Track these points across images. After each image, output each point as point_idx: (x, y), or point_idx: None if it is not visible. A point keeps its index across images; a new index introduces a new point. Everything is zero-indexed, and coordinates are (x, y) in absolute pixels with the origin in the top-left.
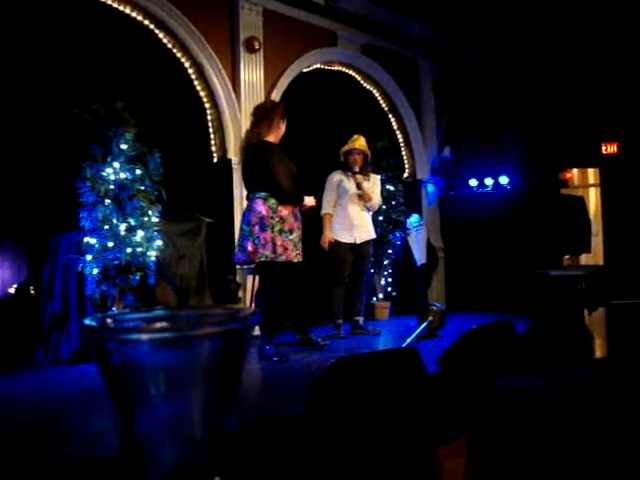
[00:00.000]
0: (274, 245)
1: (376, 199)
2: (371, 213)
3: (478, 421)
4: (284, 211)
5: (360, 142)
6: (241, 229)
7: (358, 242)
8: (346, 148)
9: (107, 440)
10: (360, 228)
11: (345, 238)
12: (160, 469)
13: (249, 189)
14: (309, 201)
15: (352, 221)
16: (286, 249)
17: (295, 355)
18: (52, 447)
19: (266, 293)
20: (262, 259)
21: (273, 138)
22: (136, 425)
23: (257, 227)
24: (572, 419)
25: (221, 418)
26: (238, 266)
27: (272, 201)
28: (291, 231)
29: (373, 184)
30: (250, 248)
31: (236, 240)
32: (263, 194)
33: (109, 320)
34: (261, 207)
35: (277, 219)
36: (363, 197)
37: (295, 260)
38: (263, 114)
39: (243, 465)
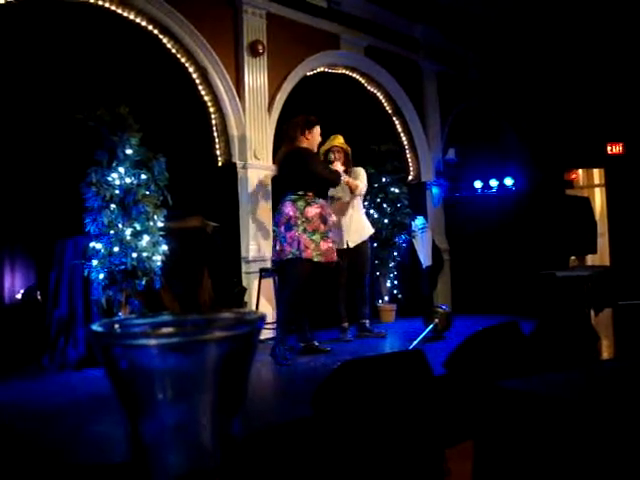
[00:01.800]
0: (299, 243)
1: (361, 184)
2: (363, 212)
3: (485, 423)
4: (310, 212)
5: (339, 140)
6: (273, 231)
7: (351, 246)
8: (325, 147)
9: (114, 446)
10: (350, 231)
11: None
12: (168, 474)
13: (283, 193)
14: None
15: (342, 227)
16: (307, 247)
17: (301, 358)
18: (59, 452)
19: (294, 291)
20: (289, 257)
21: (307, 145)
22: (144, 430)
23: (283, 227)
24: (578, 421)
25: (229, 423)
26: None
27: (300, 203)
28: (314, 231)
29: (358, 175)
30: (278, 247)
31: None
32: (293, 197)
33: (116, 326)
34: (289, 209)
35: (303, 219)
36: (351, 189)
37: (315, 259)
38: (285, 131)
39: (251, 470)
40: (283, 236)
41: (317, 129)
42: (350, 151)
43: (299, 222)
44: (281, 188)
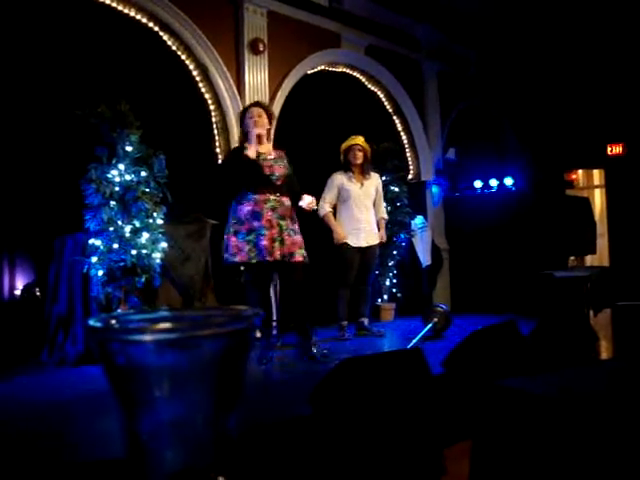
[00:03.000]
0: (227, 246)
1: (382, 205)
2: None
3: (483, 422)
4: (242, 210)
5: (360, 139)
6: None
7: (365, 245)
8: (346, 145)
9: (112, 442)
10: (368, 231)
11: (352, 241)
12: (164, 470)
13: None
14: (308, 203)
15: (359, 224)
16: (240, 250)
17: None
18: (55, 449)
19: (246, 296)
20: (226, 263)
21: (252, 141)
22: (140, 426)
23: (225, 231)
24: (577, 420)
25: (225, 419)
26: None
27: (233, 203)
28: (249, 231)
29: (374, 183)
30: (223, 252)
31: None
32: (232, 198)
33: (113, 321)
34: (228, 211)
35: (234, 221)
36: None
37: (253, 261)
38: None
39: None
40: (223, 241)
41: (248, 112)
42: (370, 151)
43: (230, 224)
44: None
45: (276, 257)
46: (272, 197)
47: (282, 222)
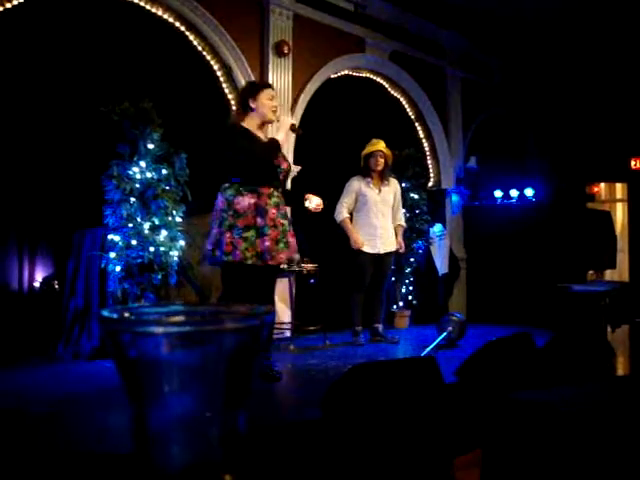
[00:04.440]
0: (221, 243)
1: (400, 212)
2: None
3: (495, 433)
4: (241, 203)
5: (383, 145)
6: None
7: (381, 252)
8: (368, 150)
9: (120, 437)
10: (384, 237)
11: (368, 249)
12: (172, 466)
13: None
14: (317, 204)
15: (376, 230)
16: (235, 248)
17: (312, 360)
18: (65, 440)
19: (224, 299)
20: (216, 259)
21: (252, 122)
22: (149, 421)
23: (214, 224)
24: (591, 435)
25: (234, 417)
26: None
27: (229, 192)
28: (247, 228)
29: (392, 189)
30: (209, 247)
31: None
32: (223, 186)
33: (127, 313)
34: (219, 201)
35: (230, 213)
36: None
37: (249, 262)
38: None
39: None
40: (213, 234)
41: (266, 93)
42: (391, 157)
43: (225, 216)
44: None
45: (280, 260)
46: (276, 192)
47: (284, 222)
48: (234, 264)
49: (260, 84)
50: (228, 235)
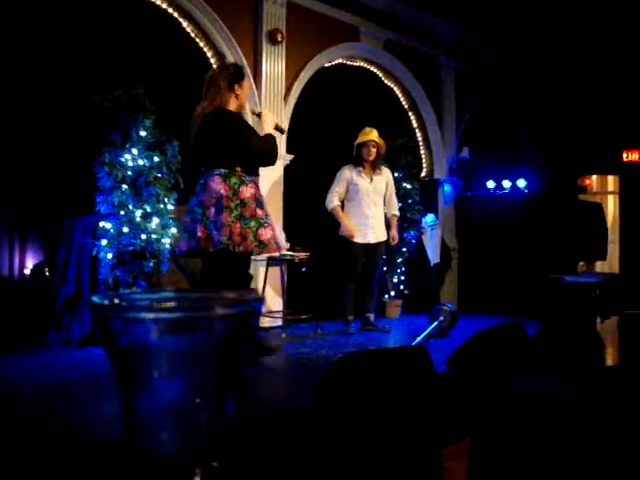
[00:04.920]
0: (231, 231)
1: (393, 201)
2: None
3: (485, 422)
4: (246, 193)
5: (375, 134)
6: (190, 212)
7: (372, 242)
8: (361, 139)
9: (110, 423)
10: (375, 227)
11: (359, 238)
12: (160, 453)
13: (206, 166)
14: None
15: (367, 219)
16: (245, 239)
17: (304, 349)
18: (54, 426)
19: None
20: (219, 247)
21: (233, 107)
22: (138, 407)
23: (213, 209)
24: (580, 424)
25: (223, 404)
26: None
27: (233, 180)
28: (252, 218)
29: (384, 178)
30: (201, 233)
31: (181, 227)
32: (223, 171)
33: (117, 299)
34: (219, 186)
35: (237, 202)
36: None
37: (255, 252)
38: (211, 80)
39: (244, 453)
40: (212, 220)
41: (248, 83)
42: (384, 147)
43: (232, 205)
44: (204, 159)
45: (276, 252)
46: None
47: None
48: (241, 254)
49: (239, 66)
50: (238, 225)
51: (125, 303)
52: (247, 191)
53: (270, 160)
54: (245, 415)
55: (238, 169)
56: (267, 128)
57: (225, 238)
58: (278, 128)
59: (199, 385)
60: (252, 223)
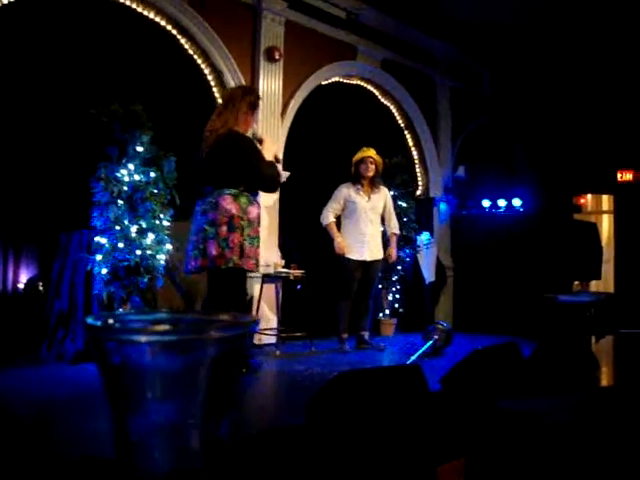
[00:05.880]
0: (242, 250)
1: (393, 220)
2: (382, 229)
3: (479, 442)
4: (253, 213)
5: (373, 152)
6: (200, 231)
7: (368, 260)
8: (359, 156)
9: (102, 441)
10: (371, 245)
11: (355, 255)
12: (153, 471)
13: (216, 185)
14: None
15: (364, 237)
16: (250, 258)
17: (298, 366)
18: (45, 443)
19: (239, 305)
20: (230, 265)
21: (242, 130)
22: (131, 427)
23: (224, 228)
24: (574, 445)
25: (216, 424)
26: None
27: (243, 200)
28: (255, 237)
29: (382, 197)
30: (215, 252)
31: (188, 247)
32: (233, 191)
33: (112, 320)
34: (230, 205)
35: (246, 221)
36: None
37: (257, 268)
38: (229, 100)
39: (237, 473)
40: (224, 238)
41: (256, 111)
42: (381, 164)
43: (243, 224)
44: (215, 178)
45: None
46: None
47: None
48: (247, 272)
49: (251, 88)
50: (247, 244)
51: (119, 325)
52: (254, 211)
53: (274, 186)
54: (237, 434)
55: (241, 188)
56: (267, 155)
57: (236, 257)
58: (277, 159)
59: (192, 405)
60: (255, 242)
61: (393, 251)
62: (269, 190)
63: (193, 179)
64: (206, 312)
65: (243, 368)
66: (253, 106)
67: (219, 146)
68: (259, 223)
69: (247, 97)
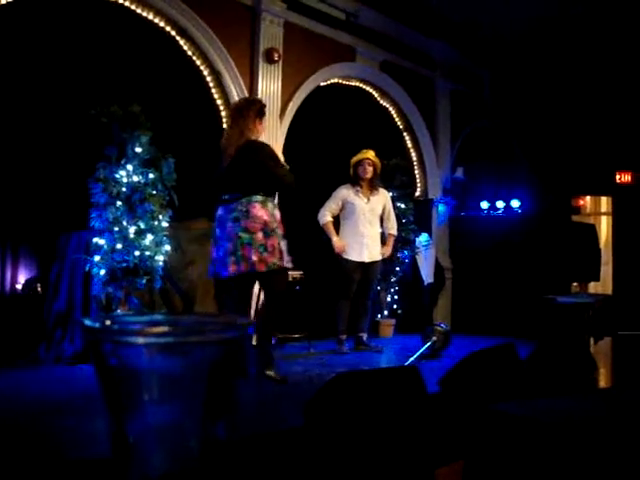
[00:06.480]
0: (281, 252)
1: (392, 221)
2: (381, 231)
3: (476, 444)
4: (278, 215)
5: (371, 153)
6: (234, 237)
7: (367, 261)
8: (357, 158)
9: (99, 442)
10: (370, 246)
11: (354, 256)
12: (150, 473)
13: (243, 193)
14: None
15: (363, 238)
16: (282, 256)
17: (296, 368)
18: (43, 444)
19: (280, 305)
20: (272, 267)
21: (256, 137)
22: (127, 429)
23: (260, 234)
24: (572, 447)
25: (214, 426)
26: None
27: (269, 205)
28: (283, 237)
29: (381, 199)
30: (255, 257)
31: (219, 252)
32: (260, 198)
33: (109, 322)
34: (261, 212)
35: (276, 224)
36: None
37: (288, 266)
38: (237, 111)
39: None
40: (262, 244)
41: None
42: (380, 166)
43: (275, 227)
44: (241, 186)
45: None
46: None
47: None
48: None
49: (259, 100)
50: (283, 245)
51: (116, 326)
52: (278, 214)
53: (291, 188)
54: (235, 436)
55: (261, 193)
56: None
57: (277, 259)
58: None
59: (189, 407)
60: (284, 242)
61: (388, 248)
62: (286, 191)
63: (217, 187)
64: (202, 314)
65: (241, 376)
66: (261, 113)
67: (241, 155)
68: (280, 226)
69: (252, 107)
